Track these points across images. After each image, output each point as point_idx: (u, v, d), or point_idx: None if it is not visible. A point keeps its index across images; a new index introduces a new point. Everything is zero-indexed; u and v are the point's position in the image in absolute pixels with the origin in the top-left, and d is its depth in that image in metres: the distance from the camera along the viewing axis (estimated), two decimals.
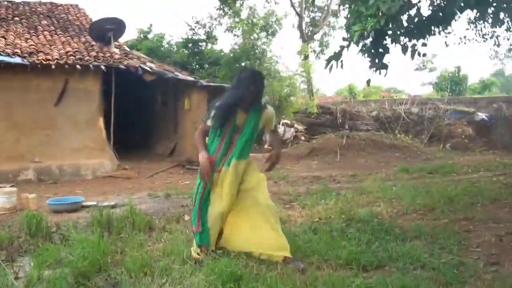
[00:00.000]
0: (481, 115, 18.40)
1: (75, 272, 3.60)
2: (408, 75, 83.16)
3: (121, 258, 4.10)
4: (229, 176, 3.93)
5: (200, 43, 21.44)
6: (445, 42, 7.72)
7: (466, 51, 64.05)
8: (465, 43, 8.66)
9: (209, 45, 21.77)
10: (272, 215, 4.02)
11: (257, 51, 19.20)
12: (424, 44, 5.61)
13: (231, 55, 19.34)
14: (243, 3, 20.07)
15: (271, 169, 4.26)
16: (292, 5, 23.93)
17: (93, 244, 4.18)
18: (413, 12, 4.90)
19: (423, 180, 8.85)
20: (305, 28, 25.09)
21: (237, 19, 19.82)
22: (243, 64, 18.50)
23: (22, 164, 10.13)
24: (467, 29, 8.91)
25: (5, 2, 14.29)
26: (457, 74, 34.81)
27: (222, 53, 20.61)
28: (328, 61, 4.85)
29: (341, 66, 4.91)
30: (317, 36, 26.27)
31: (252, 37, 19.20)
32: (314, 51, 25.87)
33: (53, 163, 10.38)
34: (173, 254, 4.03)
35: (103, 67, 10.64)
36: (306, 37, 24.71)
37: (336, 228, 4.98)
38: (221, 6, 20.17)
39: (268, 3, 21.65)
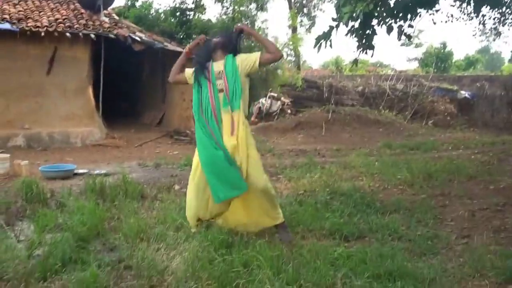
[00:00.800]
0: (464, 93, 18.78)
1: (74, 236, 3.81)
2: (395, 50, 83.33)
3: (117, 224, 4.33)
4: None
5: (188, 12, 21.27)
6: (432, 20, 7.86)
7: (453, 28, 64.24)
8: (451, 21, 8.77)
9: (197, 15, 21.60)
10: (268, 199, 3.97)
11: (246, 22, 19.14)
12: (410, 26, 5.79)
13: (219, 25, 19.26)
14: None
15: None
16: None
17: (90, 210, 4.41)
18: None
19: (404, 156, 9.13)
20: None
21: None
22: None
23: (12, 130, 10.22)
24: (452, 5, 9.00)
25: None
26: (442, 51, 35.11)
27: (210, 23, 20.49)
28: (317, 40, 5.01)
29: (330, 46, 5.09)
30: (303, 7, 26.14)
31: (241, 8, 19.13)
32: (302, 23, 25.80)
33: (43, 130, 10.48)
34: (167, 221, 4.26)
35: (92, 36, 10.64)
36: (296, 8, 24.62)
37: (320, 200, 5.25)
38: None
39: None
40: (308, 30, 25.75)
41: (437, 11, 7.46)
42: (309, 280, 3.09)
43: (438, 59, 33.96)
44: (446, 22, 9.15)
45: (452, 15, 9.46)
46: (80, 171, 7.29)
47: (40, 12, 11.14)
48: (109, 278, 3.13)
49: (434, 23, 7.59)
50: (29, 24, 10.14)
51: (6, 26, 9.82)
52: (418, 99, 17.93)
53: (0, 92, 10.15)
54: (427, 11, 6.36)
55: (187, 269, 3.20)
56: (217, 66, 3.96)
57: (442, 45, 35.45)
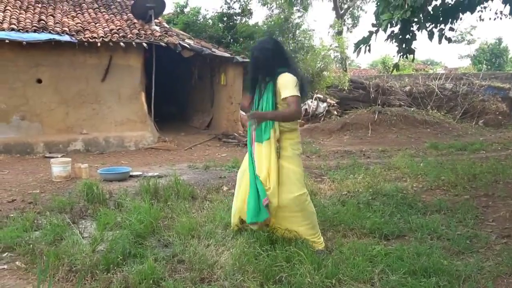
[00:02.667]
0: None
1: (133, 233, 4.17)
2: (446, 47, 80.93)
3: (170, 222, 4.68)
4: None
5: (235, 17, 21.71)
6: (480, 17, 7.79)
7: (507, 23, 61.74)
8: (500, 18, 8.56)
9: (244, 19, 22.00)
10: (304, 216, 3.90)
11: (290, 25, 19.36)
12: (451, 29, 5.84)
13: (264, 28, 19.57)
14: None
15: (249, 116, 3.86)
16: None
17: (146, 210, 4.77)
18: (439, 1, 5.16)
19: (451, 157, 9.10)
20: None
21: None
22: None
23: (71, 136, 10.89)
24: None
25: None
26: (497, 46, 33.99)
27: (256, 27, 20.84)
28: (357, 45, 5.18)
29: (369, 51, 5.25)
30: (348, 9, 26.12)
31: (286, 11, 19.36)
32: (345, 24, 25.75)
33: (100, 135, 11.11)
34: (216, 220, 4.56)
35: (145, 45, 11.19)
36: (340, 9, 24.63)
37: (362, 200, 5.43)
38: None
39: None
40: (350, 30, 25.70)
41: (484, 8, 7.39)
42: (347, 274, 3.31)
43: (492, 56, 32.91)
44: (494, 19, 8.93)
45: (501, 12, 9.22)
46: (135, 173, 7.75)
47: (96, 23, 11.79)
48: (164, 270, 3.46)
49: (482, 20, 7.44)
50: (86, 35, 10.78)
51: (66, 38, 10.48)
52: (468, 98, 17.57)
53: (61, 100, 10.86)
54: (471, 13, 6.38)
55: (234, 263, 3.48)
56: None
57: (497, 41, 34.33)
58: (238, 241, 3.87)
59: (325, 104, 17.44)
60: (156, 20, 12.41)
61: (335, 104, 18.00)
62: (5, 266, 3.74)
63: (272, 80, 3.87)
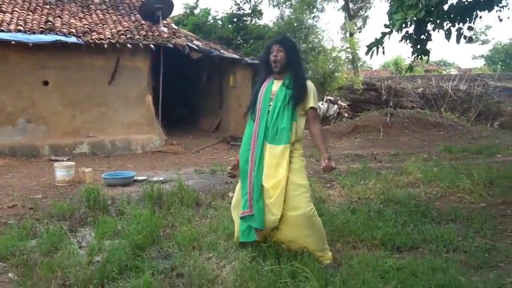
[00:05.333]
0: None
1: (131, 244, 3.98)
2: (459, 48, 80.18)
3: (172, 232, 4.48)
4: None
5: (245, 18, 21.54)
6: (498, 17, 7.54)
7: None
8: None
9: (254, 20, 21.83)
10: (313, 231, 3.61)
11: (302, 26, 19.14)
12: (470, 28, 5.57)
13: (275, 29, 19.37)
14: None
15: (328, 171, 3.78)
16: None
17: (146, 218, 4.58)
18: (455, 0, 4.91)
19: (465, 161, 8.80)
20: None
21: None
22: None
23: (77, 138, 10.78)
24: None
25: None
26: None
27: (267, 28, 20.65)
28: (369, 48, 4.95)
29: (383, 53, 5.02)
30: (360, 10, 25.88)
31: (299, 13, 19.15)
32: (356, 25, 25.51)
33: (106, 138, 10.97)
34: (219, 230, 4.35)
35: (152, 46, 11.03)
36: (352, 11, 24.38)
37: (373, 208, 5.19)
38: None
39: None
40: (359, 30, 25.43)
41: (503, 7, 7.13)
42: None
43: (507, 56, 32.42)
44: None
45: None
46: (140, 178, 7.58)
47: (103, 24, 11.67)
48: (161, 285, 3.25)
49: (501, 20, 7.13)
50: (93, 37, 10.66)
51: (73, 39, 10.36)
52: (482, 100, 17.19)
53: (67, 103, 10.75)
54: (489, 11, 6.12)
55: (236, 279, 3.26)
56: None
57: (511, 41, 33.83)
58: (241, 254, 3.65)
59: (336, 106, 17.18)
60: (164, 21, 12.26)
61: (346, 106, 17.73)
62: None
63: (294, 81, 3.63)
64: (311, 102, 3.64)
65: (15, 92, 10.33)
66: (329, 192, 6.27)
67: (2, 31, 10.04)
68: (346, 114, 17.26)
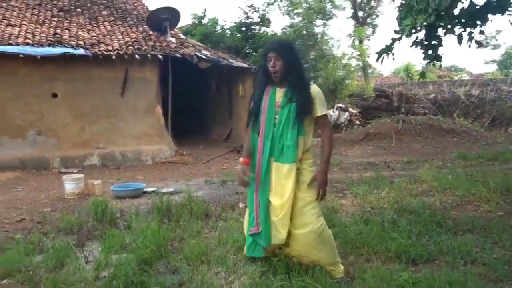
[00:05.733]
0: None
1: (138, 258, 3.88)
2: (470, 53, 79.69)
3: (180, 245, 4.37)
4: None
5: (253, 27, 21.53)
6: (509, 21, 7.40)
7: None
8: None
9: (262, 29, 21.81)
10: (323, 247, 3.46)
11: (311, 34, 19.09)
12: (481, 32, 5.44)
13: (283, 37, 19.34)
14: None
15: (319, 197, 3.46)
16: None
17: (154, 232, 4.48)
18: (466, 4, 4.80)
19: (481, 168, 8.60)
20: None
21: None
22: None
23: (87, 150, 10.75)
24: None
25: None
26: None
27: (276, 37, 20.61)
28: (380, 54, 4.85)
29: (393, 59, 4.91)
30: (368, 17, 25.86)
31: (308, 21, 19.13)
32: (366, 33, 25.45)
33: (116, 149, 10.93)
34: (228, 243, 4.24)
35: (160, 57, 11.00)
36: (361, 19, 24.33)
37: (387, 219, 5.04)
38: None
39: None
40: (368, 37, 25.34)
41: None
42: None
43: None
44: None
45: None
46: (149, 189, 7.50)
47: (111, 36, 11.67)
48: None
49: None
50: (101, 48, 10.66)
51: (81, 51, 10.37)
52: (496, 105, 16.95)
53: (76, 115, 10.74)
54: (502, 14, 5.99)
55: None
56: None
57: None
58: (250, 268, 3.54)
59: (347, 114, 17.04)
60: (171, 32, 12.25)
61: (357, 114, 17.58)
62: None
63: (297, 92, 3.40)
64: (318, 110, 3.42)
65: (24, 105, 10.35)
66: (341, 201, 6.13)
67: (11, 44, 10.07)
68: (358, 122, 17.11)
